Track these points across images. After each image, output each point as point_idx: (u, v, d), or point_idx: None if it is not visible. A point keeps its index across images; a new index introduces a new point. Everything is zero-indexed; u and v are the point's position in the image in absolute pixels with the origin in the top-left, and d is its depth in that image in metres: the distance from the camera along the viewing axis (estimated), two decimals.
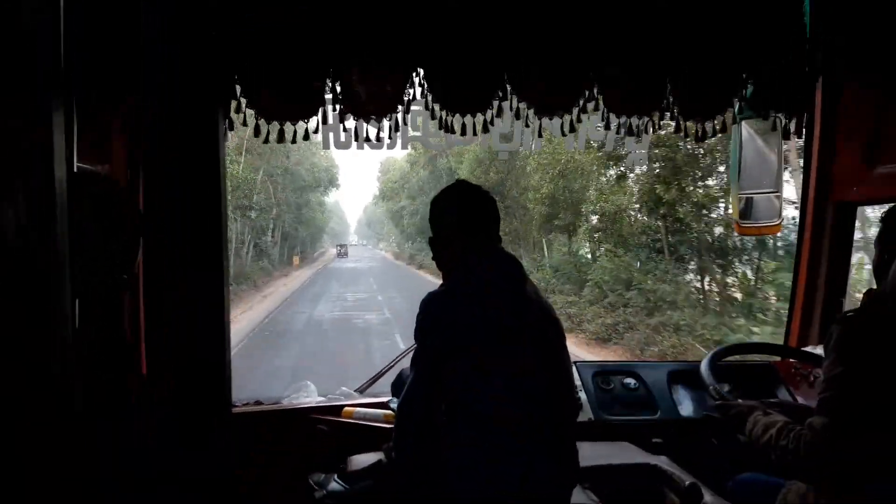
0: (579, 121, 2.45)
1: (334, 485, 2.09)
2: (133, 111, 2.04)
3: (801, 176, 2.97)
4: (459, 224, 1.86)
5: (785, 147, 2.90)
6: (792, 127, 2.57)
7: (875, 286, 1.76)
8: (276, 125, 2.22)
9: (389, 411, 2.52)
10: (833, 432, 1.54)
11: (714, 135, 2.56)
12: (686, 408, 2.75)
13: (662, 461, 2.23)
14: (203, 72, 2.03)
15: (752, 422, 1.86)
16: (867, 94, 2.57)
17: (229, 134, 2.23)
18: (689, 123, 2.52)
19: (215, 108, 2.09)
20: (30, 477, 0.94)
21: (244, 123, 2.19)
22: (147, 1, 1.96)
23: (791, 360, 2.88)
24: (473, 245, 1.82)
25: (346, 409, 2.60)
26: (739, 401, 2.04)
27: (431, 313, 1.75)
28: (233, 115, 2.18)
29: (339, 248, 68.72)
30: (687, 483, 2.04)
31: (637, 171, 15.74)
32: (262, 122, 2.21)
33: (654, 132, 2.57)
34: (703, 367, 2.31)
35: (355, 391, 2.87)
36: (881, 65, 2.44)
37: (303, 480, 2.18)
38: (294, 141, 2.24)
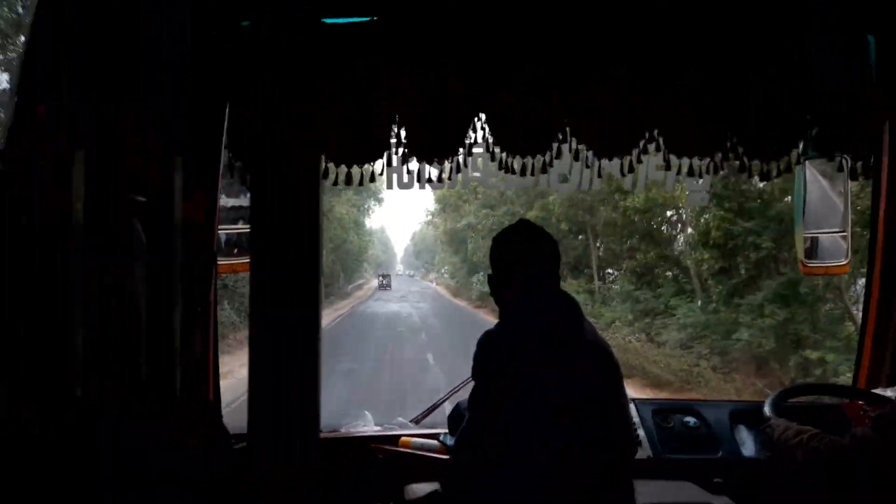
0: (639, 161, 2.47)
1: None
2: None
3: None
4: (520, 263, 1.89)
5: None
6: (859, 168, 2.53)
7: None
8: (343, 168, 2.35)
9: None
10: (879, 446, 1.51)
11: (779, 175, 2.54)
12: (748, 448, 2.69)
13: (724, 502, 2.20)
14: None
15: (783, 427, 1.84)
16: None
17: None
18: (753, 163, 2.51)
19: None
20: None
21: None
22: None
23: (860, 401, 2.80)
24: (533, 284, 1.85)
25: (403, 439, 2.66)
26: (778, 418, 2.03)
27: (489, 352, 1.78)
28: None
29: (380, 278, 58.04)
30: None
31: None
32: (330, 165, 2.34)
33: (716, 173, 2.57)
34: (767, 405, 2.27)
35: (411, 421, 2.92)
36: None
37: None
38: (361, 183, 2.36)
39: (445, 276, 57.63)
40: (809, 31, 2.37)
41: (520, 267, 1.89)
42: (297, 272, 2.25)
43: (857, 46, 2.42)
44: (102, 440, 1.41)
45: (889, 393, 2.50)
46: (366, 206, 40.39)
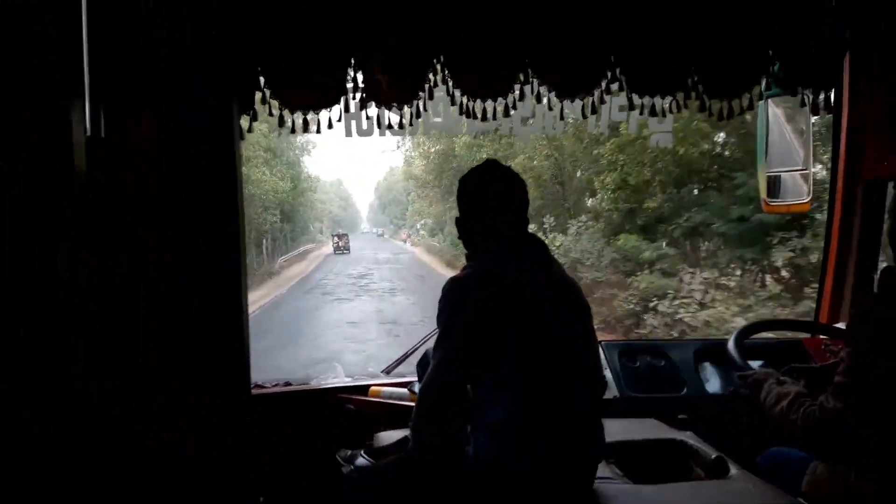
0: (602, 102, 2.45)
1: (361, 460, 2.14)
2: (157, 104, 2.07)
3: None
4: (489, 205, 1.86)
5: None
6: (820, 103, 2.53)
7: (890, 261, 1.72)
8: (299, 115, 2.27)
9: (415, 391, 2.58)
10: (842, 419, 1.55)
11: (741, 113, 2.54)
12: (713, 385, 2.76)
13: (688, 436, 2.25)
14: (221, 64, 2.07)
15: (765, 390, 1.87)
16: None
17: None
18: (713, 102, 2.49)
19: (230, 99, 2.13)
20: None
21: (270, 114, 2.24)
22: None
23: (821, 336, 2.86)
24: (501, 227, 1.84)
25: (373, 388, 2.67)
26: (756, 369, 2.05)
27: (454, 298, 1.76)
28: (258, 105, 2.23)
29: (335, 239, 43.90)
30: (713, 457, 2.05)
31: None
32: (286, 112, 2.26)
33: (678, 112, 2.55)
34: (731, 343, 2.31)
35: (381, 372, 2.94)
36: None
37: (330, 457, 2.26)
38: (319, 131, 2.29)
39: (422, 232, 46.32)
40: None
41: (489, 210, 1.86)
42: (214, 221, 2.14)
43: None
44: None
45: None
46: (296, 141, 31.38)
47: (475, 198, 1.90)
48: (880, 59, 2.55)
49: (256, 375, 2.53)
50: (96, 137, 1.62)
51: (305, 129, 2.28)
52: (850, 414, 1.55)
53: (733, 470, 1.98)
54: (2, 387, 0.98)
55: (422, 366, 2.42)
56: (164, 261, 2.05)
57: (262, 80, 2.20)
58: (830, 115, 2.77)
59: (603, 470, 1.92)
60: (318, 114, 2.26)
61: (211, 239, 2.12)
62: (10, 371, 0.95)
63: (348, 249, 41.26)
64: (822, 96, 2.52)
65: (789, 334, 2.85)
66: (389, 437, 2.24)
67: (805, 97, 2.52)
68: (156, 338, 2.03)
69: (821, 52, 2.43)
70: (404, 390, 2.64)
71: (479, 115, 2.38)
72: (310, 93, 2.23)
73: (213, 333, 2.14)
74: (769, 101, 2.81)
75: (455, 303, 1.75)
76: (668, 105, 2.50)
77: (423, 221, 44.47)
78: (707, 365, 2.85)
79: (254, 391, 2.55)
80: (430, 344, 2.38)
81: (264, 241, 29.12)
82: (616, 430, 2.05)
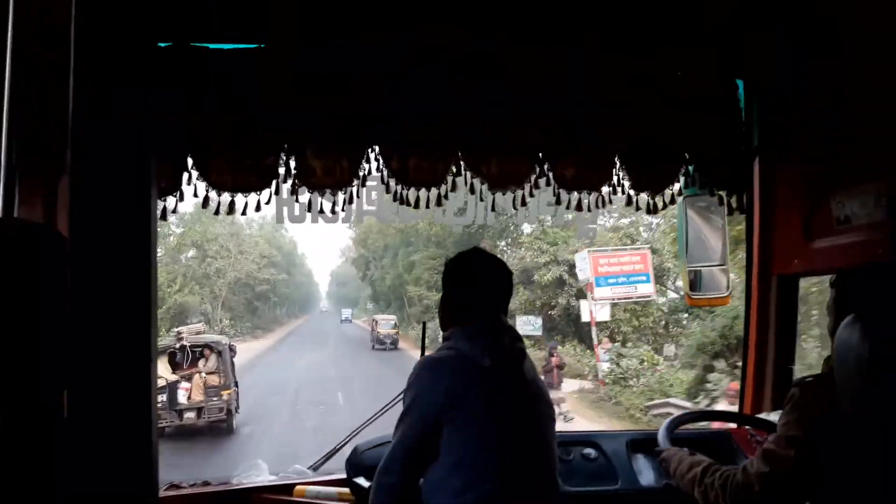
0: (531, 195, 2.52)
1: None
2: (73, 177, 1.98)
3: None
4: (476, 294, 1.88)
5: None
6: (734, 203, 2.70)
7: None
8: (227, 197, 2.24)
9: (345, 489, 2.44)
10: (769, 484, 1.55)
11: (664, 208, 2.67)
12: (646, 477, 2.73)
13: None
14: (143, 143, 2.00)
15: (676, 461, 1.87)
16: (803, 171, 2.71)
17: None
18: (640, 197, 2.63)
19: (148, 178, 2.05)
20: None
21: (195, 194, 2.20)
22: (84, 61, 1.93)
23: (746, 427, 2.91)
24: (484, 316, 1.85)
25: (298, 488, 2.51)
26: (669, 447, 2.06)
27: (427, 375, 1.76)
28: (184, 186, 2.19)
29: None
30: None
31: None
32: (212, 194, 2.23)
33: (603, 207, 2.67)
34: (661, 434, 2.32)
35: (308, 468, 2.77)
36: (813, 142, 2.59)
37: None
38: (244, 213, 2.25)
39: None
40: (684, 72, 2.54)
41: (476, 297, 1.88)
42: (126, 304, 1.96)
43: (727, 88, 2.60)
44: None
45: (773, 417, 2.60)
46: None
47: (462, 284, 1.92)
48: (787, 165, 2.76)
49: None
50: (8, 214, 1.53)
51: (231, 210, 2.24)
52: (778, 481, 1.55)
53: None
54: None
55: (352, 462, 2.31)
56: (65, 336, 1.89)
57: (189, 160, 2.17)
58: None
59: None
60: (246, 196, 2.24)
61: (118, 322, 1.98)
62: None
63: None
64: (734, 197, 2.68)
65: (717, 425, 2.88)
66: None
67: (719, 197, 2.68)
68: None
69: (731, 157, 2.61)
70: (332, 489, 2.49)
71: (413, 204, 2.41)
72: (238, 176, 2.21)
73: (112, 429, 1.95)
74: (686, 199, 2.97)
75: (427, 379, 1.75)
76: (595, 200, 2.60)
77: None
78: (640, 457, 2.83)
79: (165, 492, 2.35)
80: (359, 440, 2.29)
81: None
82: None
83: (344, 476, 2.49)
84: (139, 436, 1.97)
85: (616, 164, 2.56)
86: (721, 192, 2.70)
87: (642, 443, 2.85)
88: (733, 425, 2.91)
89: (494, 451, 1.69)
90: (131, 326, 1.96)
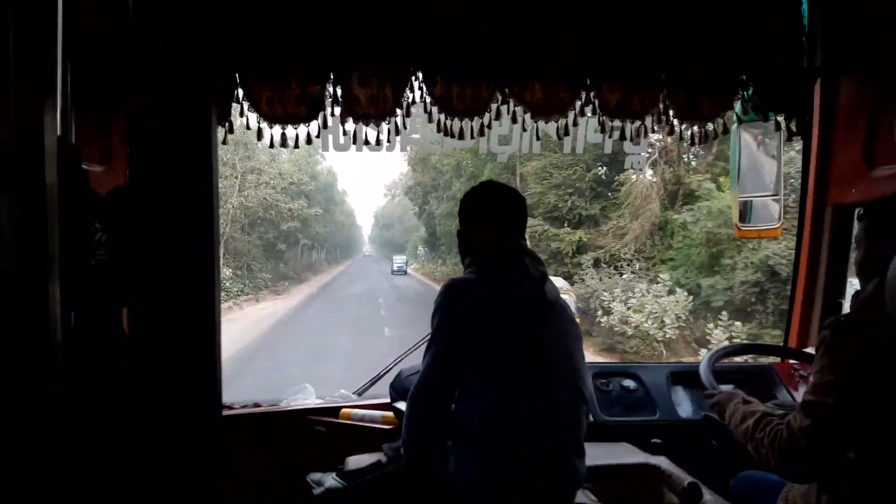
0: (575, 124, 2.46)
1: (332, 482, 2.09)
2: (132, 110, 2.03)
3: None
4: (490, 222, 1.91)
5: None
6: (793, 128, 2.58)
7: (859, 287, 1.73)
8: (277, 129, 2.25)
9: (388, 413, 2.53)
10: (812, 436, 1.53)
11: (715, 138, 2.58)
12: (685, 409, 2.75)
13: (662, 461, 2.23)
14: (200, 73, 2.03)
15: (731, 409, 1.86)
16: (865, 94, 2.56)
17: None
18: (685, 127, 2.54)
19: (209, 109, 2.09)
20: None
21: (248, 127, 2.22)
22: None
23: (790, 360, 2.88)
24: (501, 242, 1.88)
25: (344, 410, 2.61)
26: (722, 389, 2.05)
27: (453, 296, 1.79)
28: (236, 117, 2.21)
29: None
30: (686, 482, 2.03)
31: None
32: (263, 125, 2.24)
33: (647, 136, 2.59)
34: (702, 367, 2.31)
35: (353, 393, 2.87)
36: (879, 63, 2.44)
37: (301, 479, 2.19)
38: (297, 145, 2.27)
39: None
40: None
41: (484, 225, 1.92)
42: (191, 238, 2.09)
43: (791, 7, 2.45)
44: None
45: None
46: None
47: (477, 214, 1.95)
48: (849, 88, 2.62)
49: None
50: (66, 143, 1.57)
51: (283, 143, 2.26)
52: (820, 432, 1.54)
53: (706, 496, 1.97)
54: None
55: (395, 387, 2.38)
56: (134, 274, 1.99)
57: (239, 92, 2.17)
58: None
59: (577, 495, 1.90)
60: (296, 128, 2.24)
61: (184, 252, 2.06)
62: None
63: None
64: (793, 121, 2.56)
65: (761, 358, 2.87)
66: (361, 460, 2.18)
67: (777, 122, 2.57)
68: (127, 353, 1.97)
69: (792, 78, 2.48)
70: (377, 412, 2.59)
71: (456, 133, 2.38)
72: (287, 106, 2.21)
73: (184, 353, 2.07)
74: (742, 126, 2.86)
75: (451, 301, 1.78)
76: (638, 129, 2.53)
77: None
78: (680, 389, 2.84)
79: (223, 412, 2.48)
80: (403, 365, 2.35)
81: None
82: (589, 454, 2.03)
83: (387, 400, 2.58)
84: (206, 356, 2.08)
85: (664, 90, 2.46)
86: (779, 117, 2.58)
87: (682, 375, 2.86)
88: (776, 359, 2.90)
89: (514, 369, 1.72)
90: (198, 251, 2.04)
